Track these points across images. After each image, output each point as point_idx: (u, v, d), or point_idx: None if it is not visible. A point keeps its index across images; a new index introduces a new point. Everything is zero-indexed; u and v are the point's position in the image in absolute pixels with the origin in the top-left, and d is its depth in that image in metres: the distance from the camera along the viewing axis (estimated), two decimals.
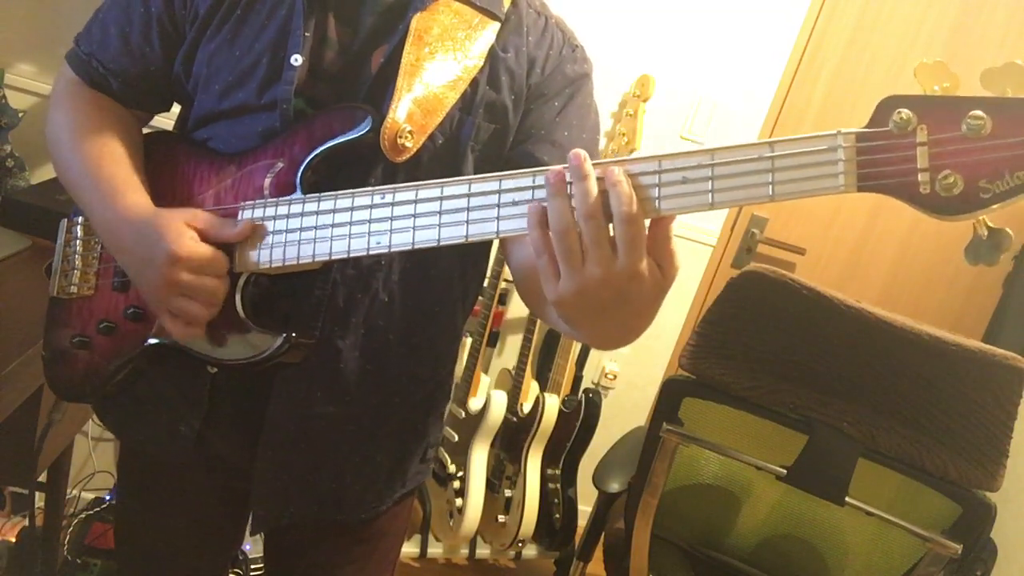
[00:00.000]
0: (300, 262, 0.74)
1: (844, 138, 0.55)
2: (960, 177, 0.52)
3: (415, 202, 0.68)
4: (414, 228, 0.68)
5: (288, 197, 0.76)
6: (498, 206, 0.64)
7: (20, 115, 1.53)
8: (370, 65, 0.81)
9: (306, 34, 0.80)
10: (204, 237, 0.75)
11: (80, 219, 0.90)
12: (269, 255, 0.75)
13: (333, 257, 0.73)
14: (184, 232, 0.74)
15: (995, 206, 0.51)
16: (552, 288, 0.61)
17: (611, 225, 0.59)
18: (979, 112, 0.51)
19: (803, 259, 2.40)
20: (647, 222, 0.59)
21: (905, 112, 0.53)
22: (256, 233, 0.76)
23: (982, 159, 0.51)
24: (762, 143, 0.57)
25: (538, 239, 0.60)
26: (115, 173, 0.82)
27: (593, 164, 0.59)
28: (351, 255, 0.72)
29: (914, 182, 0.53)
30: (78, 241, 0.90)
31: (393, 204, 0.69)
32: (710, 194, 0.58)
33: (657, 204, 0.59)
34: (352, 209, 0.71)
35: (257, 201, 0.77)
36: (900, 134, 0.54)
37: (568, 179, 0.59)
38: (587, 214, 0.58)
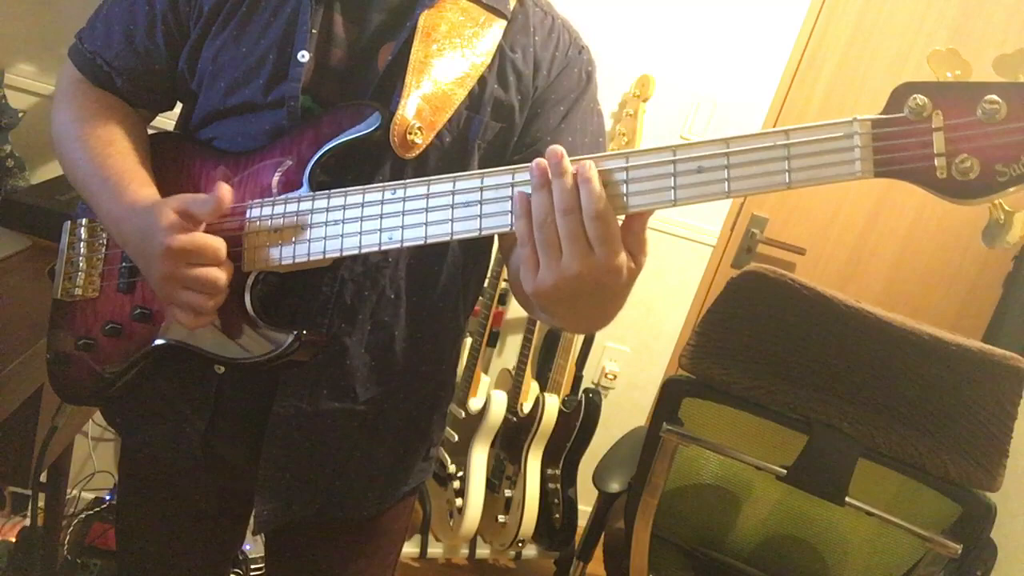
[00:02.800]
0: (311, 259, 0.74)
1: (860, 124, 0.55)
2: (977, 161, 0.52)
3: (427, 196, 0.68)
4: (427, 223, 0.68)
5: (297, 194, 0.76)
6: (511, 199, 0.65)
7: (20, 115, 1.53)
8: (377, 62, 0.81)
9: (313, 31, 0.80)
10: (195, 220, 0.74)
11: (84, 220, 0.90)
12: (279, 253, 0.75)
13: (344, 253, 0.73)
14: (174, 223, 0.73)
15: (1011, 189, 0.52)
16: (531, 278, 0.63)
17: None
18: (994, 96, 0.52)
19: (803, 259, 2.40)
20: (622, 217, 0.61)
21: (920, 98, 0.54)
22: (261, 225, 0.76)
23: (998, 143, 0.52)
24: (778, 131, 0.57)
25: (523, 228, 0.62)
26: (122, 166, 0.82)
27: (578, 159, 0.61)
28: (362, 251, 0.72)
29: (931, 167, 0.54)
30: (82, 243, 0.90)
31: (404, 199, 0.69)
32: (726, 183, 0.58)
33: (675, 194, 0.59)
34: (363, 205, 0.71)
35: (266, 199, 0.77)
36: (916, 119, 0.54)
37: (549, 173, 0.61)
38: (565, 208, 0.60)
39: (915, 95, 0.54)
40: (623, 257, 0.60)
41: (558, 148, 0.61)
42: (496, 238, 0.89)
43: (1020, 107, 0.51)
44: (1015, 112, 0.51)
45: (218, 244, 0.73)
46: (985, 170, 0.52)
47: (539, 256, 0.62)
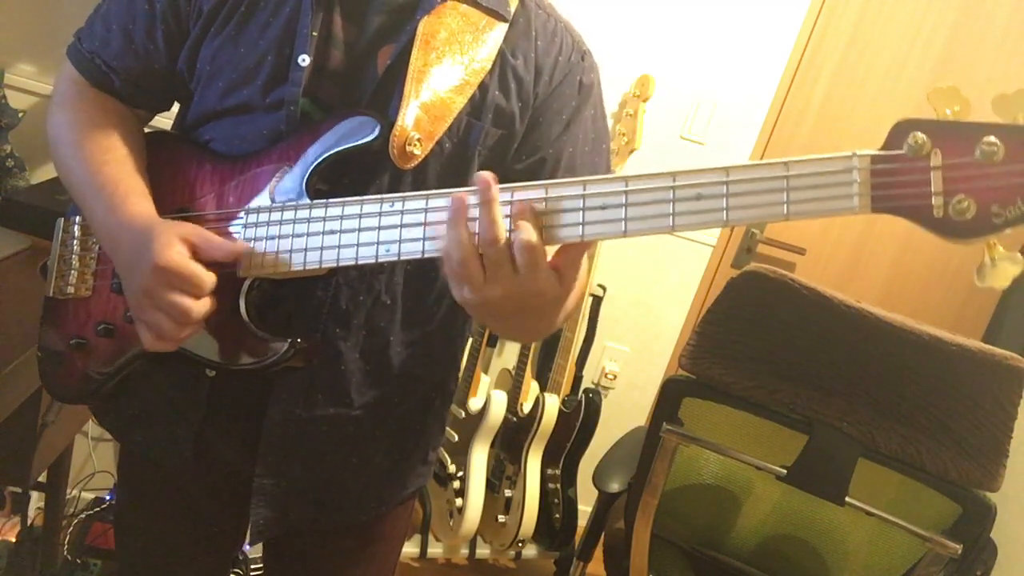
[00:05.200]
0: (307, 268, 0.74)
1: (859, 160, 0.56)
2: (973, 201, 0.53)
3: (425, 211, 0.68)
4: (424, 238, 0.68)
5: (295, 202, 0.75)
6: (510, 217, 0.65)
7: (20, 115, 1.53)
8: (376, 65, 0.80)
9: (313, 33, 0.79)
10: (195, 253, 0.73)
11: (77, 219, 0.90)
12: (275, 260, 0.75)
13: (341, 264, 0.72)
14: (173, 244, 0.72)
15: (1007, 231, 0.53)
16: (458, 294, 0.66)
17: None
18: (993, 138, 0.52)
19: (803, 259, 2.40)
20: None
21: (920, 136, 0.54)
22: (258, 232, 0.76)
23: (995, 184, 0.52)
24: (777, 163, 0.57)
25: (445, 249, 0.65)
26: (119, 177, 0.81)
27: (517, 187, 0.63)
28: (359, 263, 0.71)
29: (928, 205, 0.54)
30: (75, 241, 0.89)
31: (403, 212, 0.69)
32: (724, 212, 0.59)
33: (674, 221, 0.60)
34: (360, 216, 0.71)
35: (263, 206, 0.77)
36: (915, 157, 0.54)
37: (471, 203, 0.63)
38: (490, 239, 0.62)
39: (915, 132, 0.54)
40: (546, 281, 0.63)
41: (487, 174, 0.63)
42: None
43: (1018, 149, 0.52)
44: (1013, 154, 0.52)
45: (206, 278, 0.72)
46: (981, 211, 0.53)
47: (460, 277, 0.64)
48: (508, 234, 0.62)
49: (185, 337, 0.74)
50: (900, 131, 0.55)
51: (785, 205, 0.57)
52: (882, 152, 0.55)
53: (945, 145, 0.54)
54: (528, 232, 0.61)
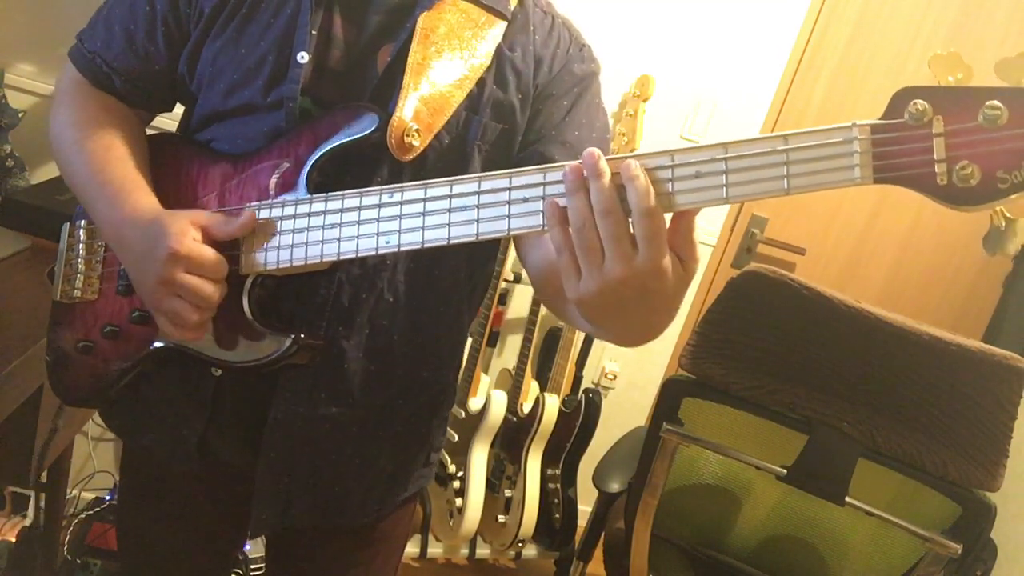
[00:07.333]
0: (308, 263, 0.74)
1: (859, 130, 0.54)
2: (977, 167, 0.52)
3: (424, 200, 0.68)
4: (423, 227, 0.68)
5: (294, 197, 0.75)
6: (509, 203, 0.64)
7: (20, 115, 1.53)
8: (376, 64, 0.81)
9: (312, 32, 0.80)
10: (208, 236, 0.75)
11: (82, 222, 0.90)
12: (276, 256, 0.75)
13: (341, 257, 0.73)
14: (187, 231, 0.73)
15: (1013, 196, 0.51)
16: (573, 287, 0.60)
17: (631, 221, 0.58)
18: (996, 102, 0.51)
19: (803, 259, 2.40)
20: (668, 216, 0.59)
21: (921, 103, 0.53)
22: (260, 228, 0.76)
23: (999, 149, 0.51)
24: (776, 136, 0.56)
25: (558, 236, 0.60)
26: (122, 173, 0.81)
27: (609, 159, 0.59)
28: (359, 255, 0.72)
29: (931, 173, 0.53)
30: (81, 245, 0.89)
31: (402, 203, 0.69)
32: (724, 188, 0.57)
33: (673, 199, 0.58)
34: (360, 208, 0.71)
35: (263, 202, 0.77)
36: (916, 125, 0.53)
37: (584, 175, 0.58)
38: (605, 210, 0.57)
39: (915, 100, 0.53)
40: (668, 258, 0.58)
41: (595, 150, 0.58)
42: (513, 242, 0.89)
43: (1022, 113, 0.50)
44: (1017, 118, 0.50)
45: (222, 262, 0.74)
46: (986, 177, 0.51)
47: (580, 263, 0.59)
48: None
49: (203, 321, 0.75)
50: (900, 99, 0.54)
51: (785, 180, 0.56)
52: (883, 121, 0.54)
53: (947, 111, 0.52)
54: (646, 195, 0.57)
